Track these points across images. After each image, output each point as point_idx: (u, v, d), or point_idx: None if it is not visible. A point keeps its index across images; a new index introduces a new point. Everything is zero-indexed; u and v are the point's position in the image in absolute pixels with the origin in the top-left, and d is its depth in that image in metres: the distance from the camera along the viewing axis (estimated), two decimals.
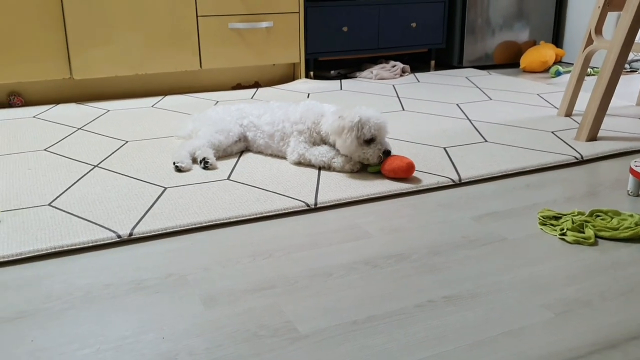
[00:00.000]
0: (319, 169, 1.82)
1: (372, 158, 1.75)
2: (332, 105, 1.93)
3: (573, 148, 2.00)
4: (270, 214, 1.51)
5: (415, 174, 1.76)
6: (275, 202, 1.56)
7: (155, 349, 0.98)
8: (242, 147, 2.00)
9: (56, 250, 1.30)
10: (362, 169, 1.80)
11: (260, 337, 1.01)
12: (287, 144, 1.90)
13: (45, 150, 2.02)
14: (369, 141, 1.74)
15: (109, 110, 2.58)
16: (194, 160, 1.86)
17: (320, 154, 1.81)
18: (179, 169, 1.79)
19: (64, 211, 1.50)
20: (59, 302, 1.12)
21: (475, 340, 1.00)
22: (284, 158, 1.91)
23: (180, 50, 2.85)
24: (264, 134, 1.95)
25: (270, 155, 1.96)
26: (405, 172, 1.71)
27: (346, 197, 1.60)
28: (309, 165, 1.84)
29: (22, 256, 1.28)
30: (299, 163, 1.86)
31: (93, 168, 1.83)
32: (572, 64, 3.63)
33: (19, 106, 2.67)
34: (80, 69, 2.68)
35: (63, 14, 2.60)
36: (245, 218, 1.48)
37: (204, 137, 1.91)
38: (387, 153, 1.75)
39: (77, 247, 1.32)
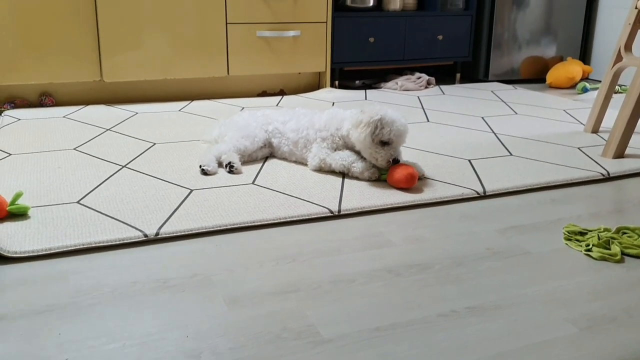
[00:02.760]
0: (343, 176, 1.83)
1: (381, 161, 1.75)
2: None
3: (599, 164, 1.98)
4: (294, 219, 1.52)
5: (439, 185, 1.76)
6: (299, 208, 1.57)
7: (180, 347, 0.99)
8: (267, 152, 2.02)
9: (85, 246, 1.33)
10: (382, 179, 1.79)
11: (283, 339, 1.02)
12: (309, 150, 1.91)
13: (74, 149, 2.06)
14: (384, 143, 1.75)
15: (137, 113, 2.62)
16: (220, 164, 1.88)
17: (341, 157, 1.81)
18: (205, 172, 1.82)
19: (93, 209, 1.52)
20: (87, 297, 1.14)
21: (498, 351, 1.00)
22: (307, 165, 1.92)
23: (208, 56, 2.88)
24: (289, 140, 1.96)
25: (294, 162, 1.97)
26: (405, 183, 1.70)
27: (370, 206, 1.60)
28: (330, 170, 1.85)
29: (52, 251, 1.31)
30: (319, 169, 1.86)
31: (121, 168, 1.86)
32: (599, 80, 3.61)
33: (50, 106, 2.73)
34: (110, 71, 2.73)
35: (96, 18, 2.66)
36: (270, 222, 1.50)
37: (230, 142, 1.93)
38: (395, 161, 1.75)
39: (105, 244, 1.35)
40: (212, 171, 1.82)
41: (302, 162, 1.95)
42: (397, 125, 1.74)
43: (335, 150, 1.87)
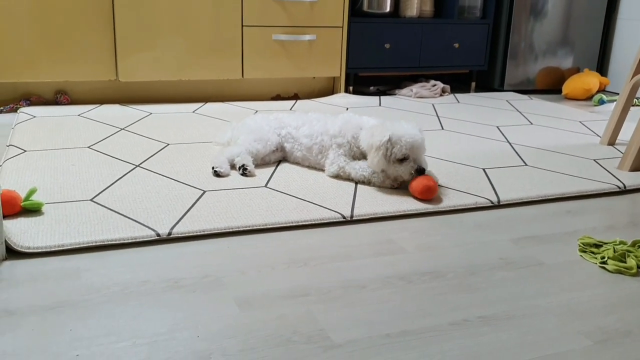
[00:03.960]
0: (356, 182, 1.82)
1: (404, 175, 1.73)
2: (371, 117, 1.92)
3: (616, 177, 1.96)
4: (306, 223, 1.52)
5: (453, 193, 1.75)
6: (312, 212, 1.56)
7: (190, 347, 0.99)
8: (279, 156, 2.02)
9: (97, 244, 1.33)
10: (403, 186, 1.78)
11: (293, 342, 1.01)
12: (325, 156, 1.90)
13: (88, 147, 2.07)
14: (402, 160, 1.72)
15: (151, 113, 2.63)
16: (233, 167, 1.88)
17: (361, 168, 1.80)
18: (217, 174, 1.82)
19: (106, 207, 1.53)
20: (98, 295, 1.14)
21: None
22: (321, 170, 1.91)
23: (223, 58, 2.89)
24: (302, 146, 1.95)
25: (307, 167, 1.96)
26: (420, 194, 1.66)
27: (382, 212, 1.60)
28: (348, 178, 1.84)
29: (64, 248, 1.31)
30: (337, 176, 1.85)
31: (135, 168, 1.86)
32: (616, 93, 3.57)
33: (65, 104, 2.75)
34: (126, 71, 2.75)
35: (113, 18, 2.67)
36: (282, 225, 1.49)
37: (242, 145, 1.93)
38: (420, 171, 1.71)
39: (117, 242, 1.35)
40: (224, 173, 1.82)
41: (316, 168, 1.94)
42: (405, 139, 1.69)
43: (352, 157, 1.86)
